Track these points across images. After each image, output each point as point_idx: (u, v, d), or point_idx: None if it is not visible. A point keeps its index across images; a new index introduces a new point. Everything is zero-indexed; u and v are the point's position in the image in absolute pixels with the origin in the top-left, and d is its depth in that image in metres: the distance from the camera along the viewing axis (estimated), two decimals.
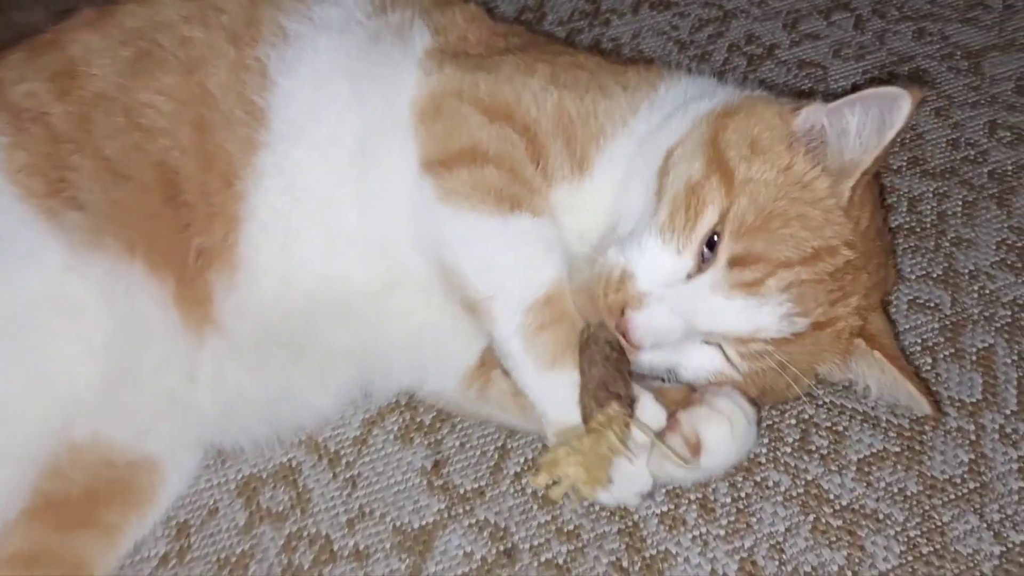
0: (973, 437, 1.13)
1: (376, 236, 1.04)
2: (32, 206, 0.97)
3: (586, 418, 0.89)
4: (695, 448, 0.93)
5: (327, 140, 1.04)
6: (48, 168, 0.98)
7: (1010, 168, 1.44)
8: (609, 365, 0.90)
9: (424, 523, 1.07)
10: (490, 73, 1.04)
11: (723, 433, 0.93)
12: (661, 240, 0.91)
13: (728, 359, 0.94)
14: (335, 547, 1.06)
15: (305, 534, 1.07)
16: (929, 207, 1.39)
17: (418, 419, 1.16)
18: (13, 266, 0.96)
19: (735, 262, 0.88)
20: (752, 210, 0.89)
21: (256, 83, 1.03)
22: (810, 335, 0.92)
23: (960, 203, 1.39)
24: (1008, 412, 1.16)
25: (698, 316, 0.90)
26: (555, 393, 0.92)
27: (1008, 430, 1.14)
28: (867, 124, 0.89)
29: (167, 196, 1.01)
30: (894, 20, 1.69)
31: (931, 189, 1.41)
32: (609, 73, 1.08)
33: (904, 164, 1.44)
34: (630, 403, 0.89)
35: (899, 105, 0.87)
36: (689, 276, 0.90)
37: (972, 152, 1.47)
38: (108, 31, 1.06)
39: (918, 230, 1.36)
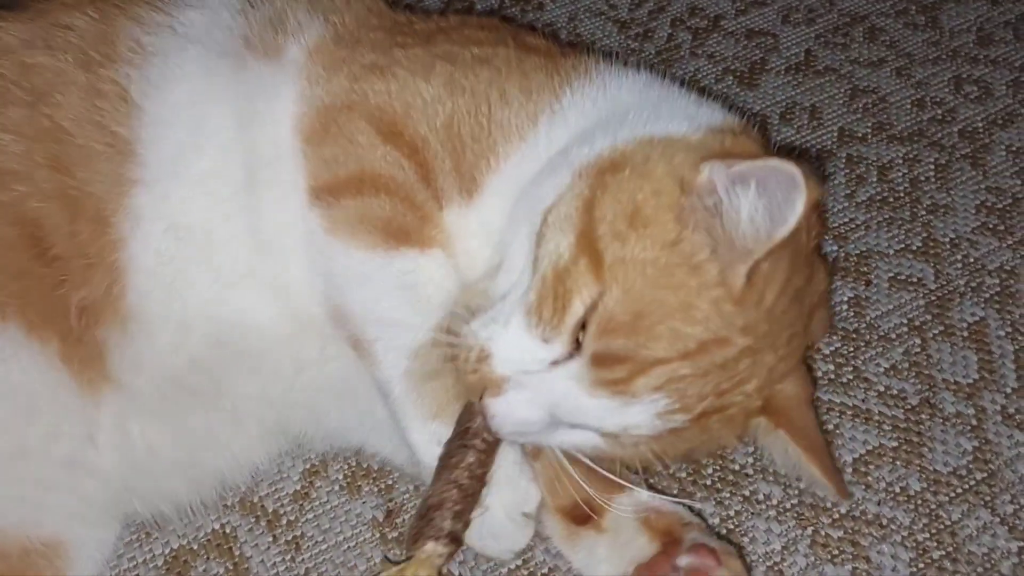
0: (974, 422, 1.04)
1: (271, 275, 0.92)
2: None
3: (414, 537, 0.81)
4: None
5: (209, 172, 0.91)
6: None
7: (980, 125, 1.35)
8: (464, 484, 0.81)
9: None
10: (383, 79, 0.90)
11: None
12: (527, 324, 0.77)
13: (605, 439, 0.80)
14: None
15: None
16: (900, 174, 1.29)
17: (365, 464, 1.05)
18: None
19: (598, 361, 0.74)
20: (624, 302, 0.74)
21: (116, 110, 0.90)
22: (694, 425, 0.77)
23: (932, 167, 1.30)
24: (1009, 390, 1.06)
25: (560, 409, 0.77)
26: (434, 446, 0.84)
27: (1011, 410, 1.04)
28: (759, 210, 0.72)
29: (33, 252, 0.88)
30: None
31: (900, 155, 1.32)
32: (519, 72, 0.91)
33: (869, 131, 1.34)
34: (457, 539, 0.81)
35: (792, 200, 0.70)
36: (554, 363, 0.77)
37: (939, 111, 1.37)
38: None
39: (891, 200, 1.26)
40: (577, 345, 0.75)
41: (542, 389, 0.77)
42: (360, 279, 0.89)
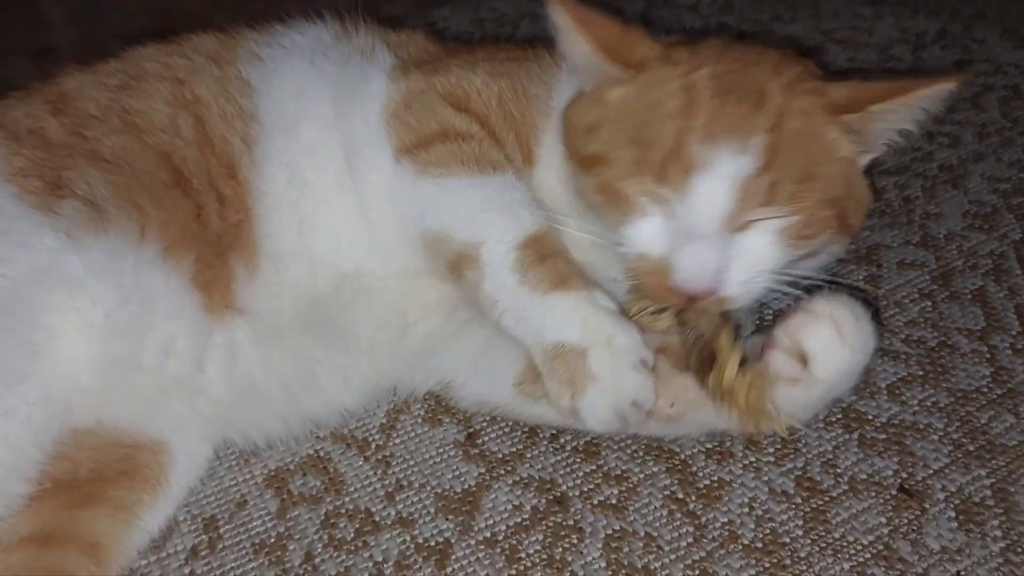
0: (988, 355, 1.16)
1: (372, 234, 1.06)
2: (28, 201, 0.97)
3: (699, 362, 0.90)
4: (801, 360, 0.89)
5: (315, 141, 1.07)
6: (45, 170, 0.99)
7: (955, 162, 1.56)
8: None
9: (467, 486, 1.03)
10: (445, 74, 1.10)
11: (827, 335, 0.88)
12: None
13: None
14: (377, 518, 1.00)
15: (344, 511, 1.01)
16: (894, 195, 1.49)
17: (444, 403, 1.14)
18: (7, 251, 0.95)
19: None
20: None
21: (240, 90, 1.08)
22: None
23: (920, 189, 1.50)
24: (1015, 332, 1.20)
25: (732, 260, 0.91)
26: (558, 311, 0.91)
27: (1019, 346, 1.18)
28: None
29: (174, 182, 1.02)
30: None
31: (891, 183, 1.52)
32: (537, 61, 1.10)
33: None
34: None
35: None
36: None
37: (919, 153, 1.59)
38: (97, 70, 1.11)
39: (888, 212, 1.45)
40: None
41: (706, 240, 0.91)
42: (458, 197, 0.98)
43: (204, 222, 1.02)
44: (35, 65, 1.12)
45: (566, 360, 0.90)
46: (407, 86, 1.07)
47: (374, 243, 1.06)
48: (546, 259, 0.93)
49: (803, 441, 1.06)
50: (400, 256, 1.06)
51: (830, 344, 0.90)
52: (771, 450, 1.05)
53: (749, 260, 0.89)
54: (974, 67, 1.84)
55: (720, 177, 0.85)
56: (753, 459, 1.04)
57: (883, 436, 1.06)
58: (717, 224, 0.87)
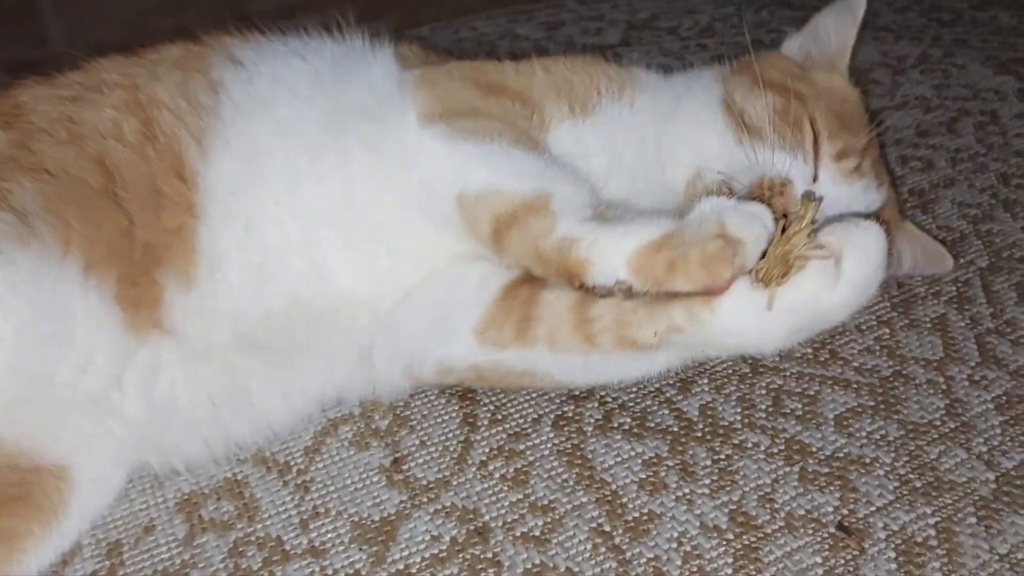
0: (944, 387, 1.11)
1: (363, 231, 1.02)
2: None
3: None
4: (837, 259, 0.86)
5: (289, 120, 1.04)
6: None
7: (926, 187, 1.52)
8: None
9: (386, 514, 0.98)
10: (469, 64, 1.12)
11: (867, 238, 0.87)
12: (790, 155, 1.03)
13: None
14: (287, 547, 0.96)
15: (254, 539, 0.97)
16: None
17: (373, 425, 1.10)
18: None
19: (839, 156, 1.05)
20: (827, 115, 1.06)
21: (204, 88, 1.05)
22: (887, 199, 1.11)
23: None
24: (973, 364, 1.15)
25: (833, 207, 1.00)
26: (654, 217, 0.89)
27: (977, 377, 1.12)
28: (840, 17, 1.16)
29: (105, 190, 0.99)
30: None
31: None
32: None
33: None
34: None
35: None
36: (814, 180, 1.04)
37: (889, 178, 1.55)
38: (54, 82, 1.09)
39: None
40: (817, 163, 1.04)
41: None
42: (506, 156, 0.95)
43: (134, 236, 0.98)
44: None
45: (682, 233, 0.85)
46: (429, 70, 1.07)
47: (356, 232, 1.02)
48: (615, 210, 0.94)
49: (741, 473, 1.01)
50: (392, 233, 1.02)
51: (868, 246, 0.87)
52: (707, 481, 1.00)
53: None
54: (951, 91, 1.80)
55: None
56: (687, 490, 0.99)
57: (826, 470, 1.00)
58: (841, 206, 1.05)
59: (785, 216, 0.90)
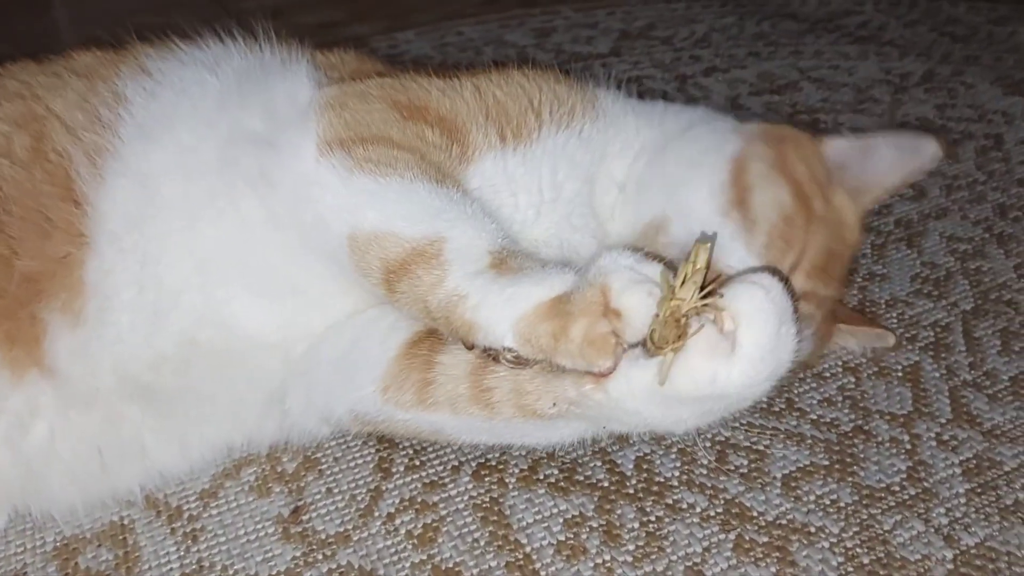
0: (909, 446, 1.00)
1: (264, 261, 0.92)
2: None
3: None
4: (724, 322, 0.74)
5: (190, 146, 0.94)
6: None
7: (915, 217, 1.41)
8: None
9: (273, 573, 0.90)
10: (395, 79, 0.99)
11: (758, 297, 0.74)
12: (757, 262, 0.90)
13: None
14: None
15: None
16: None
17: (280, 468, 1.01)
18: None
19: (800, 297, 0.90)
20: (821, 251, 0.93)
21: (106, 101, 0.97)
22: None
23: (868, 246, 1.35)
24: (944, 421, 1.03)
25: None
26: (541, 274, 0.78)
27: (946, 437, 1.01)
28: (898, 155, 0.98)
29: None
30: (786, 115, 1.73)
31: None
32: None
33: None
34: None
35: (926, 146, 0.98)
36: None
37: (876, 207, 1.44)
38: None
39: None
40: None
41: None
42: (407, 194, 0.84)
43: (13, 265, 0.89)
44: None
45: (564, 301, 0.75)
46: (342, 88, 0.95)
47: (257, 265, 0.92)
48: (523, 256, 0.81)
49: (670, 539, 0.91)
50: (295, 274, 0.93)
51: (761, 307, 0.75)
52: (631, 547, 0.90)
53: None
54: (956, 112, 1.68)
55: None
56: (608, 557, 0.89)
57: (765, 539, 0.90)
58: None
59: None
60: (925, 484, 0.96)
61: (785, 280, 0.79)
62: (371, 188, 0.84)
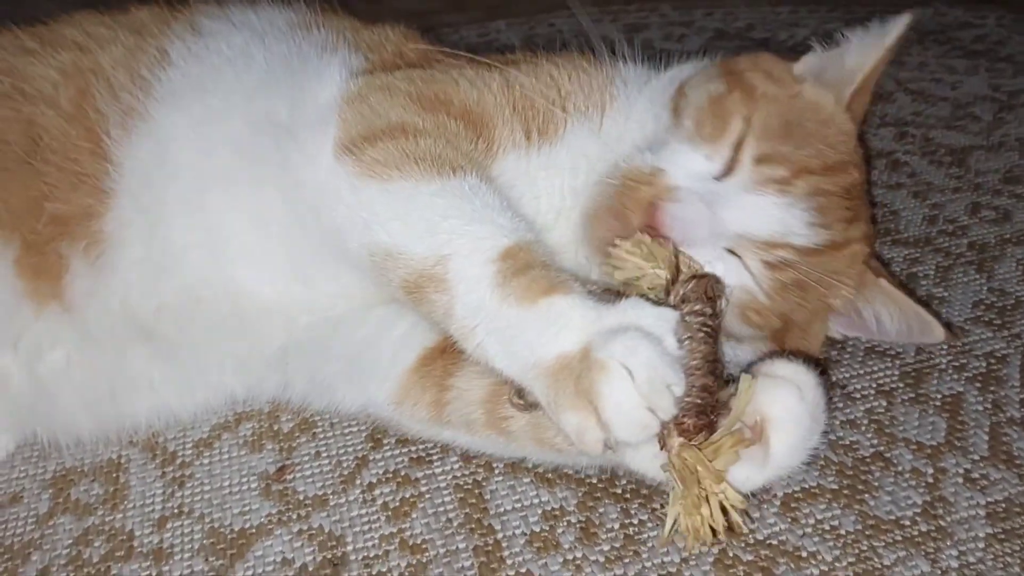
0: (931, 480, 0.92)
1: (276, 247, 0.94)
2: None
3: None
4: (760, 431, 0.75)
5: (215, 112, 0.96)
6: None
7: (993, 240, 1.30)
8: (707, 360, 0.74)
9: (247, 526, 0.90)
10: (424, 70, 0.98)
11: (792, 401, 0.75)
12: (690, 146, 0.89)
13: (750, 272, 0.87)
14: (135, 544, 0.89)
15: (106, 529, 0.91)
16: (899, 269, 1.25)
17: (276, 427, 1.02)
18: None
19: (761, 159, 0.88)
20: (774, 118, 0.89)
21: (149, 61, 1.00)
22: (829, 254, 0.89)
23: (933, 267, 1.25)
24: (976, 457, 0.95)
25: (728, 212, 0.86)
26: (553, 315, 0.73)
27: (975, 475, 0.93)
28: (864, 40, 0.95)
29: (28, 156, 0.94)
30: (875, 126, 1.64)
31: (902, 255, 1.28)
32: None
33: (877, 231, 1.31)
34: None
35: (896, 22, 0.95)
36: (717, 179, 0.88)
37: (951, 227, 1.34)
38: (22, 32, 1.05)
39: None
40: (733, 164, 0.87)
41: (711, 196, 0.86)
42: (413, 205, 0.81)
43: (44, 199, 0.94)
44: None
45: (571, 371, 0.70)
46: (368, 82, 0.94)
47: (266, 258, 0.94)
48: (532, 267, 0.76)
49: (649, 544, 0.86)
50: (307, 260, 0.93)
51: (794, 410, 0.76)
52: (605, 547, 0.86)
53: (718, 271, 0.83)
54: None
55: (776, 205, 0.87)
56: (579, 555, 0.86)
57: (749, 557, 0.84)
58: (742, 217, 0.86)
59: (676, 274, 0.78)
60: (940, 522, 0.87)
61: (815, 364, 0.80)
62: (378, 199, 0.82)
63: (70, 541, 0.89)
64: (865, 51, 0.95)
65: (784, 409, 0.75)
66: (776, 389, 0.76)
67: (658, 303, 0.75)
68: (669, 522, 0.72)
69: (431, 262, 0.77)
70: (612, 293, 0.79)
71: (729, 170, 0.88)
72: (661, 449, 0.73)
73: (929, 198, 1.41)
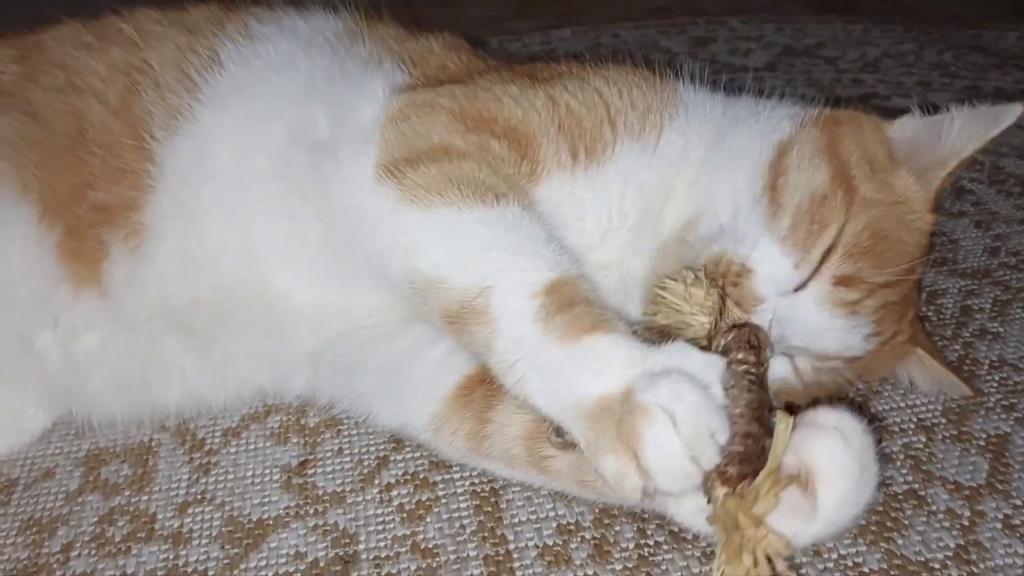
0: (966, 523, 0.88)
1: (311, 255, 0.94)
2: None
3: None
4: (805, 483, 0.72)
5: (257, 118, 0.97)
6: None
7: None
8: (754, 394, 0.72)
9: (264, 517, 0.91)
10: (467, 86, 0.96)
11: (837, 449, 0.72)
12: (782, 249, 0.85)
13: (797, 371, 0.88)
14: (156, 526, 0.91)
15: (131, 509, 0.93)
16: (952, 301, 1.21)
17: (303, 421, 1.03)
18: None
19: (841, 281, 0.85)
20: (865, 231, 0.86)
21: (198, 62, 1.01)
22: (877, 351, 0.89)
23: (990, 301, 1.20)
24: (1020, 503, 0.90)
25: (796, 330, 0.85)
26: (595, 354, 0.71)
27: (1016, 521, 0.88)
28: (969, 123, 0.90)
29: (75, 146, 0.97)
30: None
31: (958, 286, 1.23)
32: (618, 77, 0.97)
33: (931, 263, 1.27)
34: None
35: (1006, 110, 0.90)
36: (796, 289, 0.85)
37: (1013, 259, 1.29)
38: (81, 26, 1.08)
39: (934, 320, 1.17)
40: (813, 275, 0.84)
41: (786, 311, 0.84)
42: (456, 234, 0.80)
43: (88, 186, 0.96)
44: None
45: (612, 413, 0.69)
46: (410, 98, 0.93)
47: (301, 267, 0.95)
48: (576, 303, 0.74)
49: (662, 567, 0.85)
50: (339, 286, 0.95)
51: (841, 458, 0.72)
52: (617, 567, 0.85)
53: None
54: None
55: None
56: (591, 572, 0.84)
57: None
58: (807, 335, 0.87)
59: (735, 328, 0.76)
60: (973, 568, 0.84)
61: (859, 409, 0.79)
62: (420, 225, 0.81)
63: (95, 519, 0.92)
64: (967, 135, 0.90)
65: (828, 458, 0.71)
66: (818, 437, 0.72)
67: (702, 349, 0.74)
68: (715, 574, 0.69)
69: (473, 293, 0.76)
70: (655, 333, 0.79)
71: (807, 281, 0.85)
72: (707, 502, 0.70)
73: (993, 228, 1.35)
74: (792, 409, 0.74)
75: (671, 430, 0.66)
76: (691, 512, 0.78)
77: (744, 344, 0.75)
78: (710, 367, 0.70)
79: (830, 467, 0.71)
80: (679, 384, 0.68)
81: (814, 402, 0.79)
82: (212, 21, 1.06)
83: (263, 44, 1.03)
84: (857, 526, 0.88)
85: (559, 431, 0.75)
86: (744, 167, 0.90)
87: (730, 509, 0.68)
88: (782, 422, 0.71)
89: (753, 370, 0.74)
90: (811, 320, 0.85)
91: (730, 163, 0.92)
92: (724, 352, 0.75)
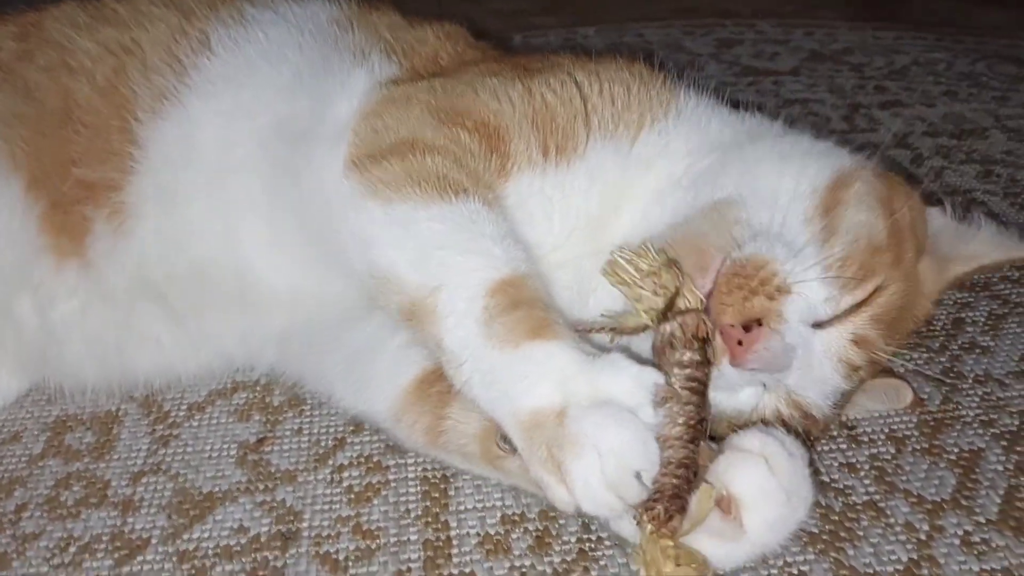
0: (923, 537, 0.85)
1: (288, 242, 0.95)
2: None
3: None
4: (727, 507, 0.72)
5: (241, 106, 0.98)
6: None
7: None
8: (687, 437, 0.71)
9: (214, 490, 0.92)
10: (448, 79, 0.96)
11: (759, 474, 0.72)
12: (823, 278, 0.80)
13: (763, 405, 0.83)
14: (108, 493, 0.92)
15: (86, 476, 0.94)
16: (944, 313, 1.16)
17: (267, 399, 1.04)
18: None
19: (856, 341, 0.82)
20: (896, 299, 0.84)
21: (188, 46, 1.02)
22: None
23: (985, 314, 1.16)
24: (983, 520, 0.87)
25: (796, 367, 0.80)
26: (531, 364, 0.71)
27: (976, 538, 0.85)
28: (996, 238, 0.92)
29: (64, 121, 0.99)
30: (958, 161, 1.54)
31: (953, 298, 1.19)
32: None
33: None
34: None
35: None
36: (819, 325, 0.81)
37: (1017, 273, 1.24)
38: (80, 6, 1.10)
39: (923, 331, 1.13)
40: (835, 320, 0.81)
41: (799, 344, 0.79)
42: (411, 229, 0.79)
43: (73, 163, 0.98)
44: None
45: (544, 430, 0.69)
46: (389, 93, 0.93)
47: (276, 251, 0.95)
48: (520, 306, 0.73)
49: (602, 563, 0.83)
50: (311, 272, 0.95)
51: (764, 485, 0.72)
52: (556, 559, 0.84)
53: (742, 396, 0.84)
54: None
55: None
56: (527, 563, 0.84)
57: None
58: (803, 380, 0.82)
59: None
60: None
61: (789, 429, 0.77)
62: (377, 221, 0.81)
63: (52, 483, 0.93)
64: (992, 247, 0.92)
65: (749, 486, 0.72)
66: (742, 465, 0.72)
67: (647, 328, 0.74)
68: None
69: (424, 292, 0.76)
70: (606, 331, 0.77)
71: (825, 323, 0.81)
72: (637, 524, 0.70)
73: None
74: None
75: (596, 468, 0.66)
76: (629, 528, 0.77)
77: (691, 337, 0.73)
78: (641, 388, 0.70)
79: (754, 496, 0.72)
80: (606, 418, 0.68)
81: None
82: (206, 3, 1.07)
83: (254, 29, 1.03)
84: (807, 534, 0.85)
85: (505, 436, 0.74)
86: (795, 175, 0.86)
87: (651, 551, 0.68)
88: (705, 491, 0.71)
89: (696, 373, 0.72)
90: (814, 365, 0.81)
91: (775, 164, 0.88)
92: (670, 345, 0.74)
